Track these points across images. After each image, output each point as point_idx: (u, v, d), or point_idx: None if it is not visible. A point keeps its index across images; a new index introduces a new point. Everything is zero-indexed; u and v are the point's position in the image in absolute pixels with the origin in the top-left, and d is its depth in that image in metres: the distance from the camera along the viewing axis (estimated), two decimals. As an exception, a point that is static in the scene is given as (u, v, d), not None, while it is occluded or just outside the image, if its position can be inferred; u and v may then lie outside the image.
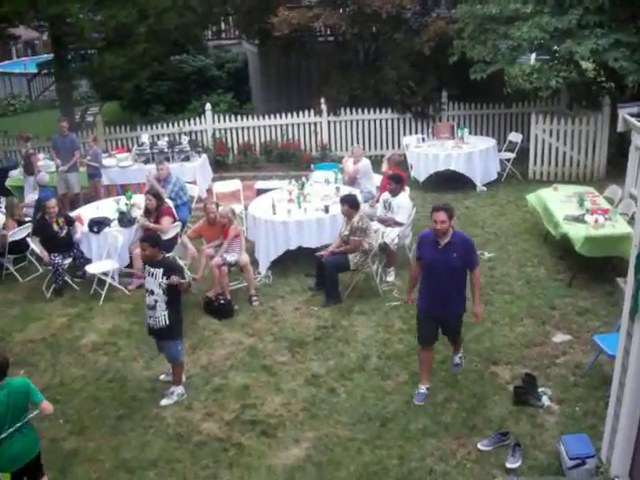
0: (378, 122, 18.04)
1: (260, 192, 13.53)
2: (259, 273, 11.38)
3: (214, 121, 18.25)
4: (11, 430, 6.05)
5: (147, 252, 8.26)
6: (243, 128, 18.31)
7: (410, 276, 8.51)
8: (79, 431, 8.11)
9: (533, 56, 16.35)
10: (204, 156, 16.35)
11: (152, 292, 8.16)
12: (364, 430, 7.69)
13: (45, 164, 15.71)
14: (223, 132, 18.25)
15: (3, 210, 13.30)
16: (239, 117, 18.45)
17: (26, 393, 6.19)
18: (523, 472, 6.94)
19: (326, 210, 11.52)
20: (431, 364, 8.35)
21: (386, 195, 11.60)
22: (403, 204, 11.34)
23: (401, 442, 7.43)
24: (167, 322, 8.16)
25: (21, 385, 6.19)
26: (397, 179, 11.52)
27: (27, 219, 12.94)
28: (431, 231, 7.76)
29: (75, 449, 7.72)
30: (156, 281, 8.07)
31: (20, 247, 12.32)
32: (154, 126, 18.24)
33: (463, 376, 8.54)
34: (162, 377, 8.92)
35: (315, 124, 18.17)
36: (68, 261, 11.72)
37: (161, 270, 8.03)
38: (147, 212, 11.59)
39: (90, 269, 11.48)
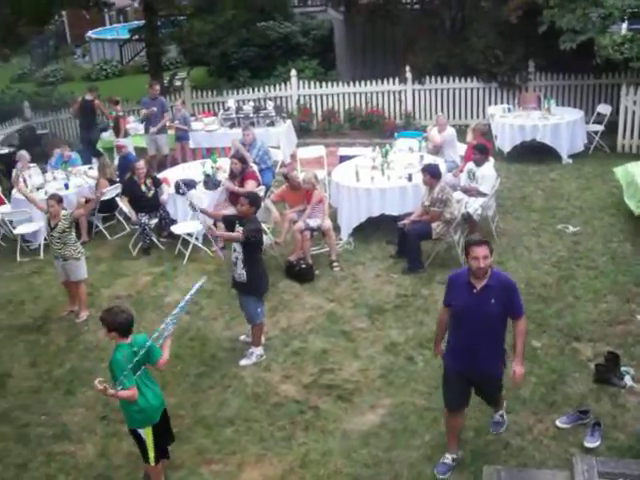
0: (463, 91, 17.74)
1: (343, 159, 13.52)
2: (340, 239, 11.41)
3: (299, 87, 18.28)
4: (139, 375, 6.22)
5: (243, 208, 8.37)
6: (328, 95, 18.28)
7: (438, 322, 6.88)
8: (161, 386, 8.28)
9: (624, 25, 15.81)
10: (289, 122, 16.42)
11: (235, 249, 8.37)
12: (440, 400, 7.59)
13: (134, 126, 16.06)
14: (308, 98, 18.26)
15: (95, 170, 13.68)
16: (324, 84, 18.42)
17: (150, 347, 6.33)
18: (602, 452, 6.76)
19: (409, 178, 11.46)
20: (460, 430, 6.98)
21: (470, 165, 11.45)
22: (487, 174, 11.19)
23: (478, 414, 7.37)
24: (246, 278, 8.32)
25: (144, 339, 6.35)
26: (482, 149, 11.37)
27: (117, 179, 13.26)
28: (465, 271, 6.34)
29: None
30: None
31: (110, 206, 12.71)
32: (240, 91, 18.41)
33: (543, 351, 8.42)
34: (242, 338, 9.08)
35: (400, 92, 17.97)
36: (154, 221, 12.06)
37: (240, 229, 8.22)
38: (232, 175, 11.73)
39: (175, 230, 11.74)
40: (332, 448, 7.14)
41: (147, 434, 6.39)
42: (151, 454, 6.45)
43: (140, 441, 6.46)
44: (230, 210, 10.70)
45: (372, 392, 7.96)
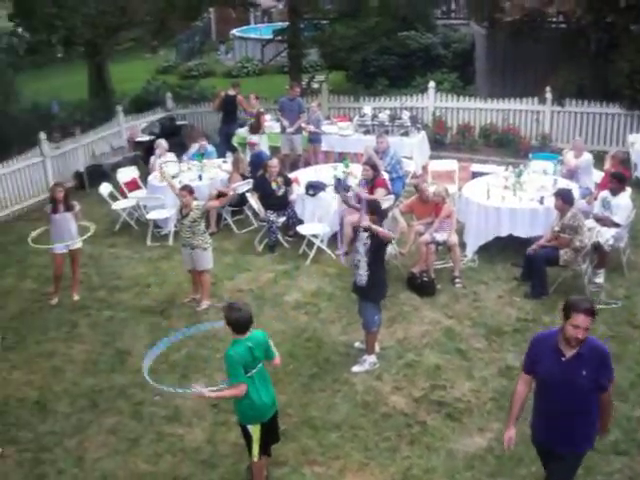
0: (604, 116, 17.12)
1: (475, 175, 13.37)
2: (465, 256, 11.25)
3: (436, 99, 18.15)
4: (254, 372, 6.33)
5: (370, 218, 8.37)
6: (464, 109, 18.06)
7: (514, 395, 5.97)
8: (273, 383, 8.43)
9: None
10: (423, 133, 16.32)
11: (357, 251, 8.41)
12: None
13: (270, 125, 16.36)
14: (444, 111, 18.10)
15: (229, 164, 14.00)
16: (461, 97, 18.24)
17: (267, 345, 6.48)
18: None
19: (541, 201, 11.19)
20: None
21: (605, 193, 11.05)
22: (623, 204, 10.78)
23: (589, 452, 7.11)
24: (365, 283, 8.33)
25: (262, 336, 6.48)
26: (620, 178, 10.96)
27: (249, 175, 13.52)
28: (553, 333, 5.60)
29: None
30: (361, 241, 8.32)
31: (240, 201, 13.01)
32: (377, 99, 18.45)
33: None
34: (357, 344, 9.09)
35: (538, 112, 17.54)
36: (282, 219, 12.24)
37: (366, 234, 8.22)
38: (363, 182, 11.75)
39: (301, 230, 11.88)
40: (436, 466, 7.06)
41: (255, 431, 6.49)
42: (255, 450, 6.55)
43: (247, 436, 6.57)
44: (357, 217, 10.72)
45: (482, 414, 7.81)
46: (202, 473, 7.18)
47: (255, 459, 6.60)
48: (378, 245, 8.28)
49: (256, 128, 15.61)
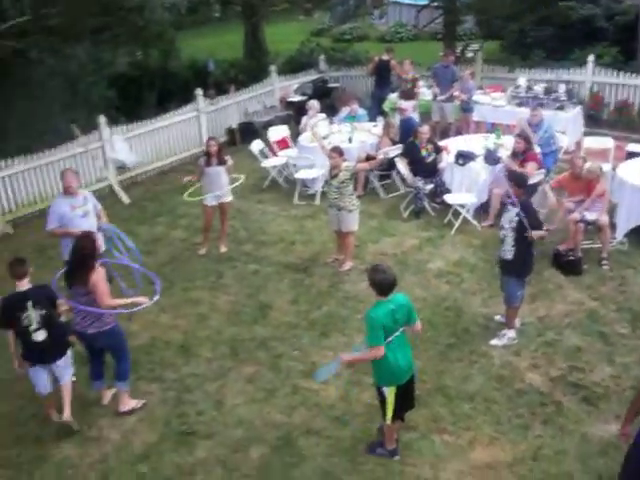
0: None
1: (631, 155, 12.81)
2: (614, 238, 10.86)
3: (594, 73, 17.46)
4: (395, 336, 6.41)
5: (512, 189, 8.26)
6: (624, 85, 17.23)
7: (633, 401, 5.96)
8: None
9: None
10: (578, 108, 15.78)
11: (502, 227, 8.30)
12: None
13: (422, 92, 16.26)
14: (601, 86, 17.41)
15: (379, 128, 14.02)
16: (621, 73, 17.45)
17: (409, 308, 6.52)
18: None
19: (702, 187, 10.67)
20: None
21: None
22: None
23: None
24: (511, 257, 8.22)
25: (405, 300, 6.52)
26: None
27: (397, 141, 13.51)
28: None
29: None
30: (508, 217, 8.19)
31: (388, 165, 13.01)
32: (532, 70, 17.93)
33: None
34: (497, 317, 9.01)
35: (702, 91, 16.64)
36: (429, 187, 12.18)
37: (515, 210, 8.06)
38: (514, 154, 11.54)
39: (448, 199, 11.81)
40: (568, 449, 6.94)
41: (390, 393, 6.57)
42: (389, 413, 6.64)
43: (382, 398, 6.66)
44: (504, 188, 10.57)
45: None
46: (334, 428, 7.34)
47: (388, 422, 6.70)
48: (526, 216, 8.11)
49: (409, 94, 15.52)
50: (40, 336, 7.24)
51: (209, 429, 7.47)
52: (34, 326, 7.19)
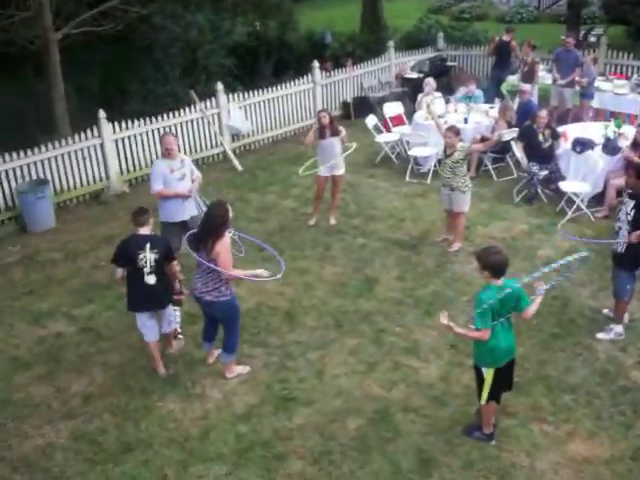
0: None
1: None
2: None
3: None
4: (501, 321, 6.41)
5: (631, 180, 8.09)
6: None
7: None
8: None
9: None
10: None
11: (619, 219, 8.13)
12: None
13: (542, 75, 15.93)
14: None
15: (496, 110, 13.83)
16: None
17: (520, 294, 6.45)
18: None
19: None
20: None
21: None
22: None
23: None
24: (623, 250, 8.04)
25: (517, 287, 6.41)
26: None
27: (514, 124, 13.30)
28: None
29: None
30: (624, 210, 8.00)
31: (503, 148, 12.87)
32: (659, 58, 17.29)
33: None
34: (605, 311, 8.84)
35: None
36: (544, 173, 11.95)
37: (633, 202, 7.89)
38: (635, 145, 11.18)
39: (563, 186, 11.59)
40: (670, 451, 6.79)
41: (488, 374, 6.57)
42: (485, 394, 6.65)
43: (480, 378, 6.68)
44: (622, 180, 10.32)
45: None
46: (432, 408, 7.39)
47: (483, 402, 6.72)
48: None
49: (529, 77, 15.27)
50: (152, 279, 7.63)
51: (309, 396, 7.63)
52: (148, 269, 7.58)
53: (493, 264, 6.31)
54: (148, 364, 8.18)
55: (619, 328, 8.44)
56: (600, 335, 8.45)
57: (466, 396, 7.48)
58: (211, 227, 7.28)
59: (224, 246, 7.23)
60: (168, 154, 9.42)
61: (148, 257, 7.56)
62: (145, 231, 7.72)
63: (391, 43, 18.86)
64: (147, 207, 8.01)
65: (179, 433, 7.20)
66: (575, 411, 7.28)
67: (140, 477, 6.67)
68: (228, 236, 7.42)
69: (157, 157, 13.75)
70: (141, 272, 7.59)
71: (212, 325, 7.95)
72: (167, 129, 13.80)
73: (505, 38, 16.37)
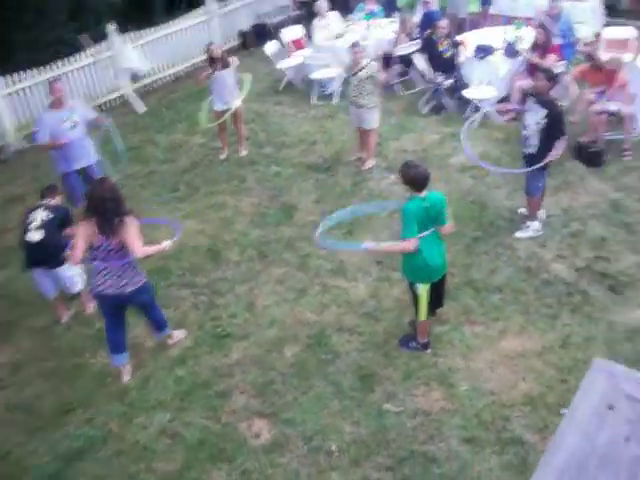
0: None
1: (653, 44, 12.56)
2: (635, 128, 10.76)
3: (614, -39, 16.92)
4: (427, 234, 6.43)
5: (540, 83, 8.16)
6: (644, -28, 16.78)
7: None
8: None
9: None
10: (598, -3, 15.37)
11: (527, 126, 8.20)
12: None
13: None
14: (622, -26, 16.92)
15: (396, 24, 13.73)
16: (642, -40, 16.89)
17: (442, 208, 6.51)
18: None
19: None
20: None
21: None
22: None
23: None
24: (536, 151, 8.16)
25: (440, 199, 6.52)
26: None
27: (416, 37, 13.24)
28: None
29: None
30: (534, 117, 8.06)
31: (406, 62, 12.81)
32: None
33: None
34: (521, 210, 9.02)
35: None
36: (449, 82, 12.00)
37: (544, 112, 7.95)
38: (534, 46, 11.33)
39: (467, 93, 11.67)
40: (595, 335, 7.06)
41: (423, 290, 6.64)
42: (422, 310, 6.75)
43: (415, 294, 6.74)
44: (527, 82, 10.45)
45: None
46: (366, 324, 7.49)
47: (422, 318, 6.82)
48: (553, 123, 8.03)
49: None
50: (36, 235, 7.41)
51: (243, 331, 7.63)
52: (34, 224, 7.43)
53: (413, 178, 6.36)
54: (75, 322, 8.05)
55: (536, 225, 8.65)
56: (518, 234, 8.64)
57: (398, 309, 7.62)
58: (104, 210, 6.36)
59: (131, 225, 6.43)
60: (59, 103, 9.08)
61: (36, 216, 7.44)
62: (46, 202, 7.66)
63: (283, -35, 18.47)
64: (55, 184, 7.95)
65: (117, 387, 7.10)
66: (503, 310, 7.48)
67: (85, 435, 6.58)
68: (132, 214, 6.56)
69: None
70: (27, 228, 7.44)
71: (122, 325, 7.06)
72: (61, 77, 13.27)
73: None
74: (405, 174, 6.41)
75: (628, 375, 2.96)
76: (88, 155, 9.35)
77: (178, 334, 7.62)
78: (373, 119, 10.28)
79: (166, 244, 6.77)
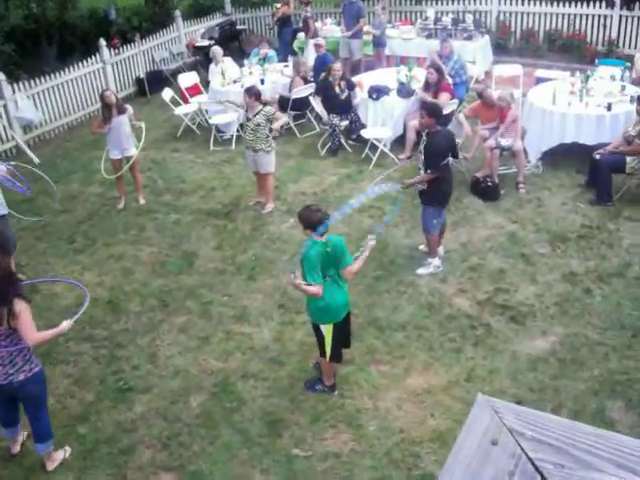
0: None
1: (540, 80, 13.08)
2: (529, 162, 11.08)
3: (500, 3, 17.58)
4: (330, 277, 6.44)
5: (424, 120, 8.33)
6: (528, 13, 17.43)
7: None
8: (339, 284, 8.60)
9: None
10: (486, 37, 15.94)
11: (418, 158, 8.44)
12: (615, 337, 7.46)
13: (330, 29, 16.14)
14: (507, 15, 17.57)
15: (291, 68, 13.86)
16: (525, 1, 17.59)
17: (343, 250, 6.51)
18: None
19: (608, 108, 10.88)
20: None
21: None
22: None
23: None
24: (425, 187, 8.33)
25: (340, 242, 6.53)
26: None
27: (311, 79, 13.38)
28: None
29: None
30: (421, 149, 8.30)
31: (302, 105, 12.92)
32: (439, 2, 17.94)
33: None
34: (421, 247, 9.14)
35: (605, 17, 16.83)
36: (345, 123, 12.18)
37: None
38: (427, 86, 11.60)
39: (365, 134, 11.82)
40: (499, 367, 7.15)
41: (328, 331, 6.60)
42: (328, 350, 6.69)
43: (319, 336, 6.70)
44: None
45: (545, 318, 7.85)
46: (271, 370, 7.38)
47: (327, 359, 6.75)
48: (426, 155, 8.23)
49: (306, 32, 15.46)
50: None
51: (146, 383, 7.41)
52: None
53: (313, 222, 6.33)
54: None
55: (436, 261, 8.76)
56: (420, 270, 8.73)
57: (302, 352, 7.56)
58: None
59: (23, 304, 5.69)
60: None
61: None
62: None
63: (178, 12, 18.52)
64: None
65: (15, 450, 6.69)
66: (408, 347, 7.51)
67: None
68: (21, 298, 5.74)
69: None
70: None
71: (13, 408, 6.33)
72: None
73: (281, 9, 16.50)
74: (305, 218, 6.39)
75: (510, 409, 2.96)
76: None
77: (59, 455, 6.55)
78: (269, 163, 10.29)
79: (66, 324, 6.08)
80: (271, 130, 10.09)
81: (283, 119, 10.58)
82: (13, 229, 9.29)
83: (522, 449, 2.70)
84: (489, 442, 2.78)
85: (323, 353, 6.77)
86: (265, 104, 10.22)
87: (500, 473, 2.66)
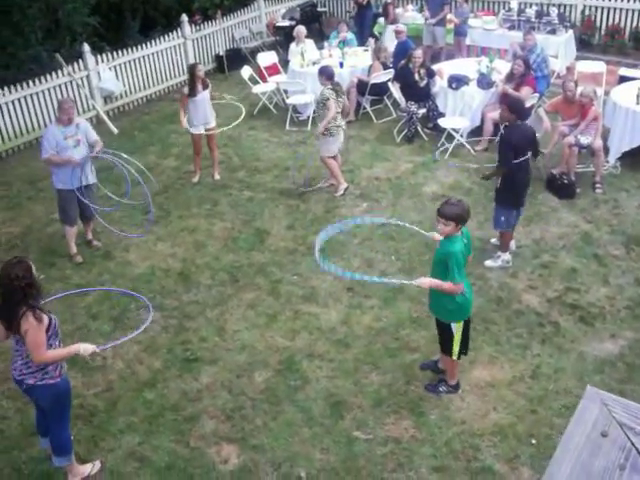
0: None
1: (623, 79, 12.78)
2: (607, 161, 10.89)
3: (589, -3, 17.20)
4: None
5: (504, 113, 8.27)
6: (615, 9, 16.99)
7: None
8: (408, 269, 8.62)
9: None
10: (570, 32, 15.60)
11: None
12: (688, 345, 7.34)
13: (412, 15, 16.04)
14: (594, 10, 17.17)
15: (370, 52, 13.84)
16: (614, -4, 17.20)
17: (470, 239, 6.39)
18: None
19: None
20: None
21: None
22: None
23: None
24: (498, 185, 8.29)
25: (466, 231, 6.33)
26: None
27: (390, 65, 13.35)
28: None
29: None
30: None
31: (380, 90, 12.90)
32: (525, -7, 17.66)
33: None
34: (492, 240, 9.08)
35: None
36: (422, 111, 12.13)
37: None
38: (510, 77, 11.47)
39: (442, 123, 11.78)
40: (565, 367, 7.09)
41: (458, 328, 6.49)
42: (456, 348, 6.57)
43: (448, 334, 6.54)
44: (497, 113, 10.55)
45: (615, 321, 7.74)
46: (336, 351, 7.44)
47: (454, 357, 6.64)
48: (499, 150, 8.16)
49: (386, 17, 15.37)
50: None
51: (213, 355, 7.54)
52: None
53: (458, 215, 6.06)
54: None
55: (506, 256, 8.69)
56: (488, 262, 8.69)
57: (368, 337, 7.60)
58: (10, 296, 5.35)
59: (31, 322, 5.30)
60: (68, 121, 8.91)
61: None
62: None
63: (259, -9, 18.59)
64: None
65: (85, 409, 6.91)
66: (475, 339, 7.40)
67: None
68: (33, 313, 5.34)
69: (27, 126, 13.20)
70: None
71: (43, 415, 6.06)
72: (34, 96, 13.19)
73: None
74: (448, 212, 6.03)
75: (618, 402, 2.96)
76: (87, 175, 9.15)
77: (83, 470, 6.20)
78: (322, 147, 10.38)
79: (89, 347, 5.63)
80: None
81: (326, 119, 10.19)
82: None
83: (632, 444, 2.70)
84: (599, 434, 2.79)
85: (449, 351, 6.62)
86: (332, 87, 10.19)
87: (611, 465, 2.67)
